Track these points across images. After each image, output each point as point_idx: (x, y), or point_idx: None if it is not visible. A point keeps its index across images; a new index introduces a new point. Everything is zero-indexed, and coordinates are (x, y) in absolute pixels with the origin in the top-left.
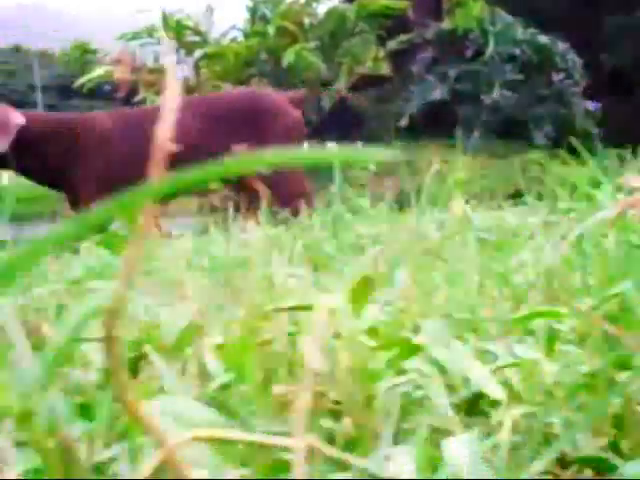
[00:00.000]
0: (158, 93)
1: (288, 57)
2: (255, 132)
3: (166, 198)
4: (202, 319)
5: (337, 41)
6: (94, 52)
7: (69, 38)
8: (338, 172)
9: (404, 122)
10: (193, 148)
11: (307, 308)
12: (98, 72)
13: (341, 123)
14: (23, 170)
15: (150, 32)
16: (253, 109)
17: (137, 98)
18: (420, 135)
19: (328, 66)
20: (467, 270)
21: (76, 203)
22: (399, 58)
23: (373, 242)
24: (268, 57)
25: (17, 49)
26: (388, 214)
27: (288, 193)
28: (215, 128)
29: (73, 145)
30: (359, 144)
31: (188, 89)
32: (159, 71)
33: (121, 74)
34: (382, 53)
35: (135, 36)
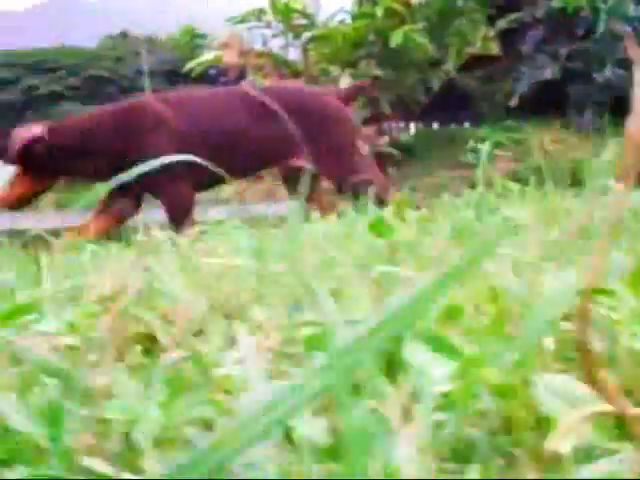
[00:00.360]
0: (266, 77)
1: (396, 38)
2: (307, 130)
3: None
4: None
5: (446, 21)
6: (203, 36)
7: (175, 23)
8: (484, 155)
9: (514, 102)
10: (240, 136)
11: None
12: (207, 56)
13: (449, 104)
14: (72, 171)
15: (258, 15)
16: (304, 107)
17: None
18: (530, 115)
19: (436, 47)
20: None
21: (155, 192)
22: (508, 37)
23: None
24: (376, 38)
25: (125, 35)
26: (531, 196)
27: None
28: (261, 121)
29: (133, 133)
30: (466, 125)
31: (296, 72)
32: (267, 55)
33: (230, 58)
34: (491, 33)
35: (243, 19)
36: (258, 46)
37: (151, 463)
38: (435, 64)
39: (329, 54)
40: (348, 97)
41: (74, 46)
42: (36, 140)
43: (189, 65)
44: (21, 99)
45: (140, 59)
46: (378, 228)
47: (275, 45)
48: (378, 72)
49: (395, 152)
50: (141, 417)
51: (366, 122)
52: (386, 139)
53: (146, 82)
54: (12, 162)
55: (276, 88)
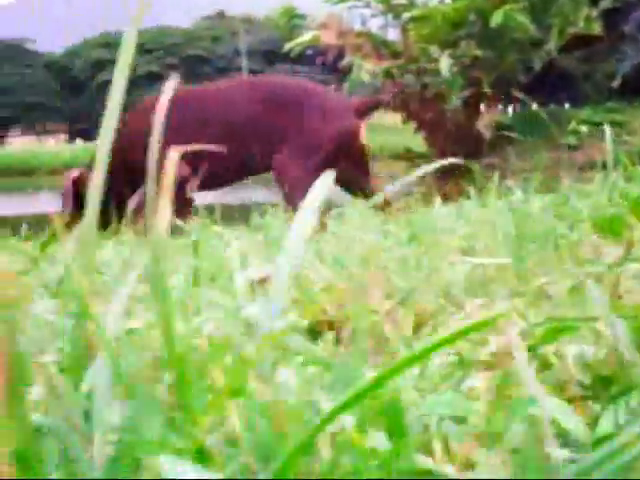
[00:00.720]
0: (365, 57)
1: (497, 18)
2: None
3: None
4: None
5: (547, 1)
6: (302, 17)
7: (272, 3)
8: (609, 139)
9: (616, 83)
10: (244, 127)
11: None
12: (306, 37)
13: (550, 84)
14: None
15: None
16: (304, 102)
17: (344, 62)
18: (633, 96)
19: (538, 26)
20: None
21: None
22: (611, 17)
23: None
24: (476, 18)
25: (222, 15)
26: None
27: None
28: (264, 112)
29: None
30: (566, 106)
31: (394, 53)
32: (366, 35)
33: (328, 38)
34: (594, 12)
35: (342, 0)
36: (357, 26)
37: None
38: (536, 44)
39: (428, 34)
40: (362, 109)
41: (171, 26)
42: (75, 182)
43: (288, 46)
44: None
45: (237, 39)
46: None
47: (374, 25)
48: (478, 52)
49: (508, 134)
50: None
51: (466, 103)
52: (491, 118)
53: (243, 62)
54: (70, 209)
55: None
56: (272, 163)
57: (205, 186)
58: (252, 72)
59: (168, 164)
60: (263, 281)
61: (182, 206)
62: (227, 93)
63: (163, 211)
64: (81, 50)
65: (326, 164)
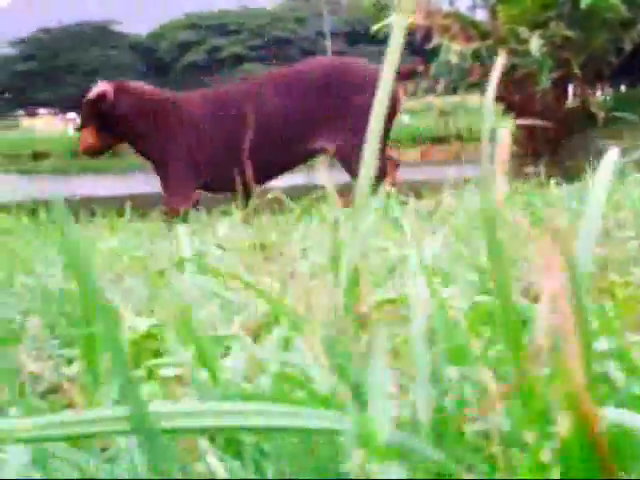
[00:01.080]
0: (453, 38)
1: None
2: (339, 105)
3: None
4: None
5: None
6: None
7: None
8: None
9: None
10: (276, 120)
11: None
12: (392, 18)
13: (639, 66)
14: (122, 136)
15: None
16: (338, 81)
17: (432, 44)
18: None
19: (628, 7)
20: None
21: (165, 179)
22: None
23: None
24: None
25: None
26: None
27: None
28: (297, 100)
29: (163, 124)
30: None
31: (483, 34)
32: (455, 16)
33: (416, 19)
34: None
35: None
36: (445, 7)
37: None
38: (627, 24)
39: (518, 15)
40: (402, 76)
41: (257, 8)
42: (101, 98)
43: (375, 27)
44: (205, 60)
45: (322, 20)
46: None
47: (462, 6)
48: (568, 33)
49: (601, 113)
50: None
51: (555, 84)
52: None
53: (327, 43)
54: (90, 127)
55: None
56: (331, 150)
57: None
58: (336, 53)
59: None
60: None
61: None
62: (263, 88)
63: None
64: (166, 32)
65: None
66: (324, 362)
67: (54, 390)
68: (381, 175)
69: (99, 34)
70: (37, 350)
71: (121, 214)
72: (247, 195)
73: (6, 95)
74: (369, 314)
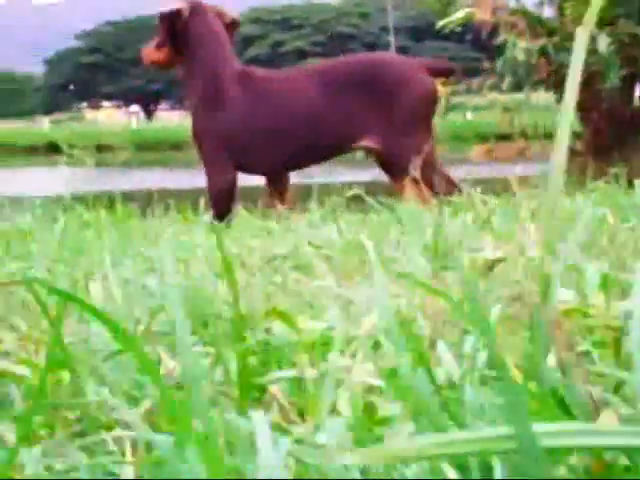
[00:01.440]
0: (520, 35)
1: None
2: (379, 100)
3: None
4: None
5: None
6: None
7: None
8: None
9: None
10: (315, 116)
11: None
12: (460, 14)
13: None
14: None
15: None
16: (376, 76)
17: (498, 40)
18: None
19: None
20: None
21: (203, 154)
22: None
23: None
24: None
25: None
26: None
27: None
28: (336, 96)
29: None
30: None
31: (550, 31)
32: (521, 12)
33: (482, 15)
34: None
35: None
36: (512, 3)
37: None
38: None
39: (585, 12)
40: (435, 71)
41: (320, 3)
42: (177, 14)
43: (441, 23)
44: (268, 54)
45: (385, 16)
46: None
47: (529, 2)
48: (637, 31)
49: None
50: None
51: (622, 82)
52: None
53: (391, 39)
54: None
55: (341, 61)
56: (375, 147)
57: (290, 167)
58: (399, 49)
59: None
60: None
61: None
62: (302, 80)
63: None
64: None
65: (424, 127)
66: None
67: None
68: (433, 172)
69: None
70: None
71: (194, 208)
72: (278, 181)
73: (70, 87)
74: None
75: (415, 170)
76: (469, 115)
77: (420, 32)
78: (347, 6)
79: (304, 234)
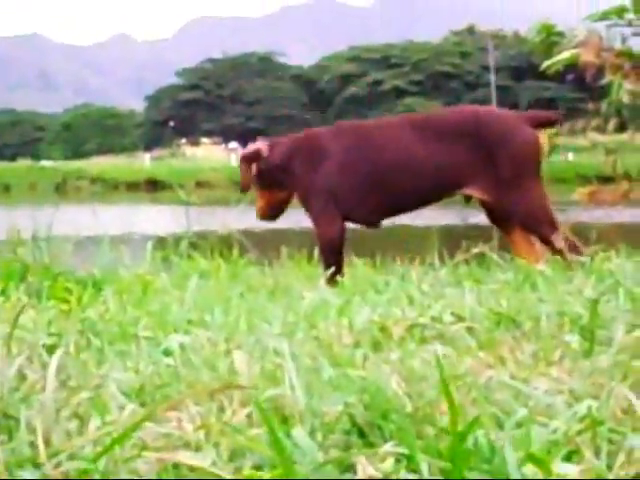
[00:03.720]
0: (625, 77)
1: None
2: (480, 151)
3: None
4: None
5: None
6: (560, 34)
7: (520, 19)
8: None
9: None
10: (411, 164)
11: None
12: (564, 55)
13: None
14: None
15: (619, 13)
16: (477, 128)
17: (602, 82)
18: None
19: None
20: None
21: (312, 213)
22: None
23: None
24: None
25: (471, 30)
26: None
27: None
28: (434, 146)
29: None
30: None
31: None
32: (627, 54)
33: (587, 57)
34: None
35: (603, 17)
36: (617, 45)
37: None
38: None
39: None
40: (537, 122)
41: (420, 42)
42: (256, 157)
43: (545, 63)
44: (366, 93)
45: (485, 55)
46: None
47: (635, 44)
48: None
49: None
50: None
51: None
52: None
53: (492, 78)
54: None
55: (447, 111)
56: (480, 194)
57: (385, 214)
58: (500, 88)
59: None
60: None
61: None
62: (405, 127)
63: None
64: (329, 64)
65: (537, 175)
66: None
67: None
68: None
69: (263, 65)
70: None
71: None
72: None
73: (170, 123)
74: None
75: (558, 241)
76: (570, 156)
77: (520, 71)
78: (447, 45)
79: (434, 296)
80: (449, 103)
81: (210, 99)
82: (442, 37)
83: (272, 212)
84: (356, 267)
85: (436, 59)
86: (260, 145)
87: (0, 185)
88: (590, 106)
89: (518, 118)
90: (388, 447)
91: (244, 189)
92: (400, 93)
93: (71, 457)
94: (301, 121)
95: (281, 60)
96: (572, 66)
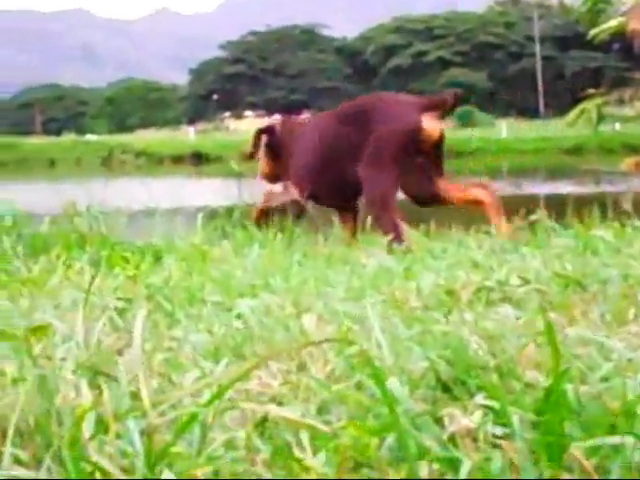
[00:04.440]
0: None
1: None
2: (365, 136)
3: None
4: None
5: None
6: (607, 2)
7: None
8: None
9: None
10: (336, 151)
11: None
12: (612, 23)
13: None
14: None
15: None
16: (369, 115)
17: None
18: None
19: None
20: None
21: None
22: None
23: None
24: None
25: (516, 0)
26: None
27: None
28: (345, 134)
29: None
30: None
31: None
32: None
33: (635, 25)
34: None
35: None
36: None
37: None
38: None
39: None
40: (428, 107)
41: (465, 12)
42: (268, 131)
43: (592, 32)
44: (410, 65)
45: (530, 25)
46: None
47: None
48: None
49: None
50: None
51: None
52: None
53: (537, 48)
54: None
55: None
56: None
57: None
58: (545, 58)
59: None
60: None
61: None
62: (325, 121)
63: None
64: (372, 35)
65: (396, 164)
66: None
67: None
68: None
69: (306, 37)
70: None
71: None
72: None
73: (214, 97)
74: None
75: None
76: (617, 126)
77: (566, 41)
78: (491, 15)
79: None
80: (494, 74)
81: (253, 72)
82: (486, 7)
83: (272, 179)
84: (411, 235)
85: (480, 29)
86: (275, 123)
87: (46, 160)
88: (637, 76)
89: (408, 106)
90: (478, 400)
91: (250, 157)
92: (444, 64)
93: (173, 407)
94: (345, 93)
95: (324, 32)
96: (619, 35)
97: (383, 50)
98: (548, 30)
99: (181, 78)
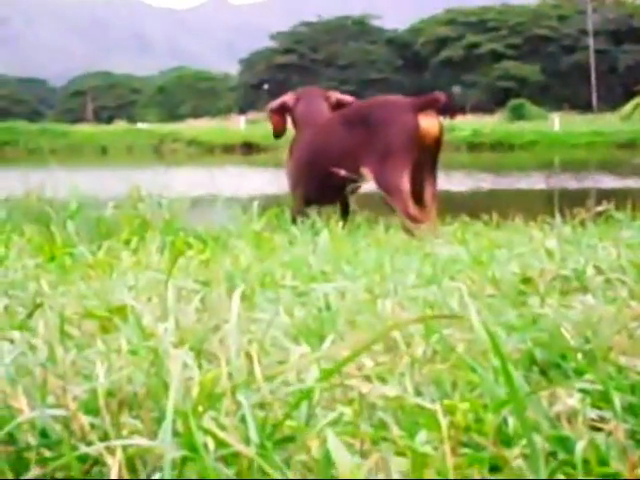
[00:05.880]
0: None
1: None
2: (369, 137)
3: None
4: None
5: None
6: None
7: None
8: None
9: None
10: (338, 151)
11: None
12: None
13: None
14: None
15: None
16: (371, 117)
17: None
18: None
19: None
20: None
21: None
22: None
23: None
24: None
25: None
26: None
27: None
28: (348, 134)
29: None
30: None
31: None
32: None
33: None
34: None
35: None
36: None
37: None
38: None
39: None
40: (419, 107)
41: (517, 5)
42: (283, 105)
43: None
44: (461, 56)
45: (584, 18)
46: None
47: None
48: None
49: None
50: None
51: None
52: None
53: (590, 42)
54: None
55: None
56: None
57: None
58: (598, 52)
59: None
60: None
61: None
62: (327, 124)
63: None
64: (424, 27)
65: (402, 161)
66: None
67: None
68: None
69: (358, 28)
70: None
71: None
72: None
73: (264, 87)
74: None
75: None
76: None
77: (619, 35)
78: (544, 8)
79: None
80: (546, 67)
81: (304, 63)
82: (539, 0)
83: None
84: (472, 225)
85: (533, 22)
86: (286, 98)
87: (97, 147)
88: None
89: (402, 106)
90: (581, 383)
91: (277, 136)
92: (497, 57)
93: (284, 384)
94: (395, 84)
95: (376, 23)
96: None
97: (435, 42)
98: (601, 23)
99: (233, 67)
